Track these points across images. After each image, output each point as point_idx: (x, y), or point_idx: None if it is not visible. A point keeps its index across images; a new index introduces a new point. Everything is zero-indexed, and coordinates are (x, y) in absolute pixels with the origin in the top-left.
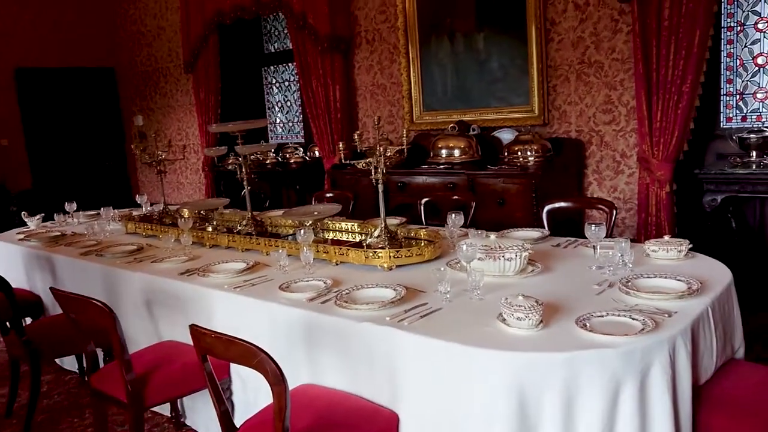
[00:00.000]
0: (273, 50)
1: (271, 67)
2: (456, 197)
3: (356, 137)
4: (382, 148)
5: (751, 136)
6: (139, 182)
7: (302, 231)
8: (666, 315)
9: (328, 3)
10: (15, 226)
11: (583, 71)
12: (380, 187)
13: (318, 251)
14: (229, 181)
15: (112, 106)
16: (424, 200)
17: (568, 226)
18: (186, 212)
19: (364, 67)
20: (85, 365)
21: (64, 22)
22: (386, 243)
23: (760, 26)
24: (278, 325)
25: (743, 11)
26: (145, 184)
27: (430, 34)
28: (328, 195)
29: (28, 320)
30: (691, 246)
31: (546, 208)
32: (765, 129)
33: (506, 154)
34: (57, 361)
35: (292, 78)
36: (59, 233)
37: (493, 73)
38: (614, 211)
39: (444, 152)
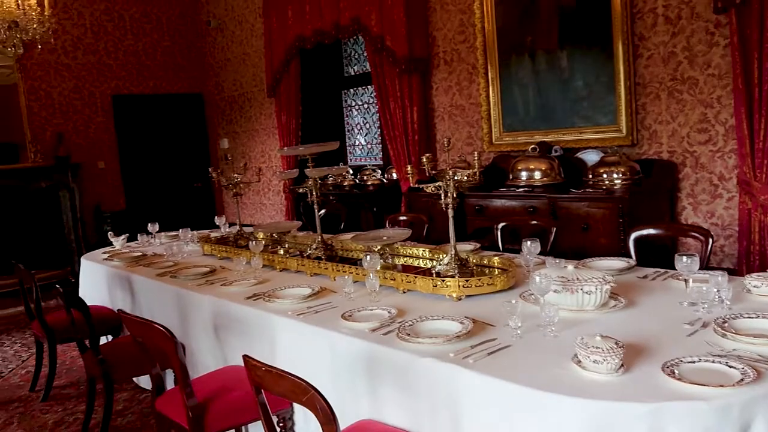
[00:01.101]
0: (353, 73)
1: (351, 90)
2: (535, 222)
3: (425, 160)
4: (451, 172)
5: None
6: (224, 203)
7: (368, 257)
8: None
9: (406, 25)
10: (107, 245)
11: (675, 88)
12: (450, 212)
13: (385, 278)
14: (308, 202)
15: (200, 130)
16: (501, 225)
17: (659, 254)
18: (260, 235)
19: (442, 88)
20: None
21: (157, 51)
22: (456, 271)
23: None
24: (339, 355)
25: None
26: (229, 205)
27: (510, 52)
28: (401, 218)
29: (110, 338)
30: None
31: (633, 235)
32: None
33: (591, 176)
34: (134, 379)
35: (371, 100)
36: (140, 253)
37: (577, 92)
38: (710, 240)
39: (524, 174)
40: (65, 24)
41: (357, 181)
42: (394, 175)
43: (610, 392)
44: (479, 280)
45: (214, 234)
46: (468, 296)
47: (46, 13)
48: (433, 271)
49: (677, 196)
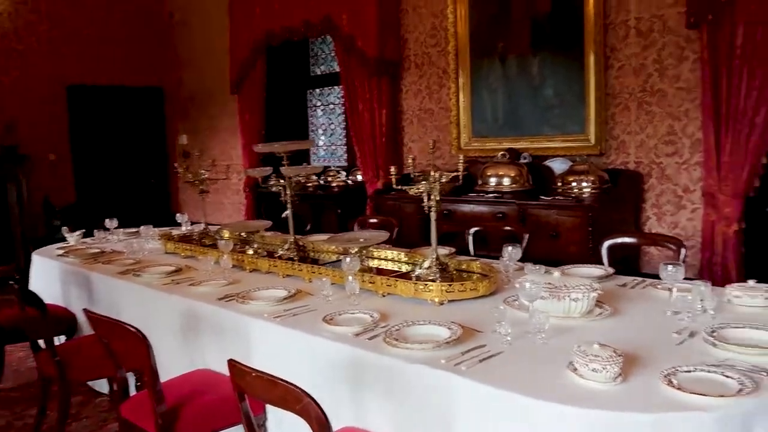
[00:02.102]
0: (319, 73)
1: (317, 90)
2: (508, 228)
3: (410, 161)
4: (437, 174)
5: None
6: (181, 201)
7: (348, 259)
8: (764, 373)
9: (378, 26)
10: (57, 240)
11: (644, 100)
12: (433, 215)
13: (363, 281)
14: (270, 203)
15: (158, 125)
16: (473, 230)
17: (624, 263)
18: (226, 234)
19: (411, 92)
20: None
21: (116, 42)
22: (437, 275)
23: None
24: (320, 360)
25: None
26: (186, 203)
27: (482, 58)
28: (371, 221)
29: (63, 338)
30: None
31: (606, 244)
32: None
33: (560, 184)
34: (89, 382)
35: (336, 101)
36: (98, 250)
37: (547, 100)
38: (682, 250)
39: (493, 180)
40: (19, 8)
41: (321, 182)
42: (359, 177)
43: (611, 402)
44: (462, 284)
45: (175, 232)
46: (450, 301)
47: None
48: (413, 275)
49: (642, 207)
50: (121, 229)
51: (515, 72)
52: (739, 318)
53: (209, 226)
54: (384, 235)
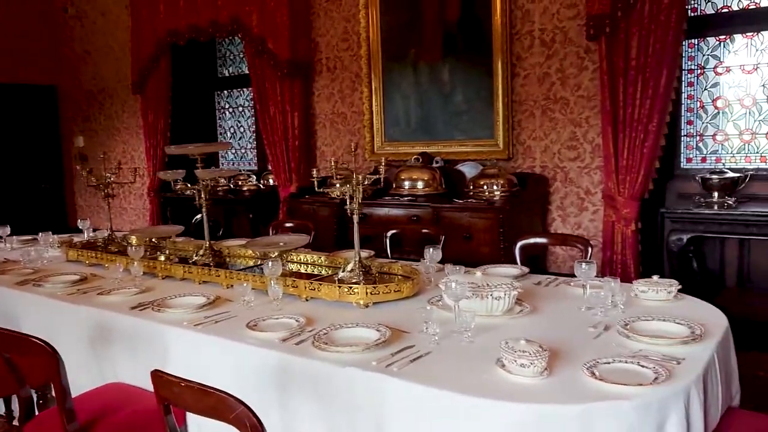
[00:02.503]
0: (227, 74)
1: (225, 92)
2: (425, 231)
3: (333, 163)
4: (360, 177)
5: (714, 177)
6: (77, 207)
7: (270, 263)
8: (675, 362)
9: (289, 28)
10: None
11: (548, 107)
12: (356, 217)
13: (286, 285)
14: (177, 207)
15: (52, 126)
16: (390, 232)
17: (533, 263)
18: (134, 239)
19: (324, 95)
20: (16, 410)
21: (3, 36)
22: (361, 278)
23: (719, 70)
24: (246, 367)
25: (703, 55)
26: (84, 209)
27: (394, 63)
28: (287, 225)
29: None
30: (680, 287)
31: (519, 244)
32: (726, 171)
33: (471, 187)
34: None
35: (246, 103)
36: None
37: (458, 106)
38: (589, 249)
39: (407, 184)
40: None
41: (232, 186)
42: (271, 181)
43: (540, 395)
44: (386, 286)
45: (77, 239)
46: (375, 303)
47: None
48: (337, 279)
49: (548, 209)
50: (15, 237)
51: (427, 78)
52: (646, 311)
53: (115, 233)
54: (304, 238)
